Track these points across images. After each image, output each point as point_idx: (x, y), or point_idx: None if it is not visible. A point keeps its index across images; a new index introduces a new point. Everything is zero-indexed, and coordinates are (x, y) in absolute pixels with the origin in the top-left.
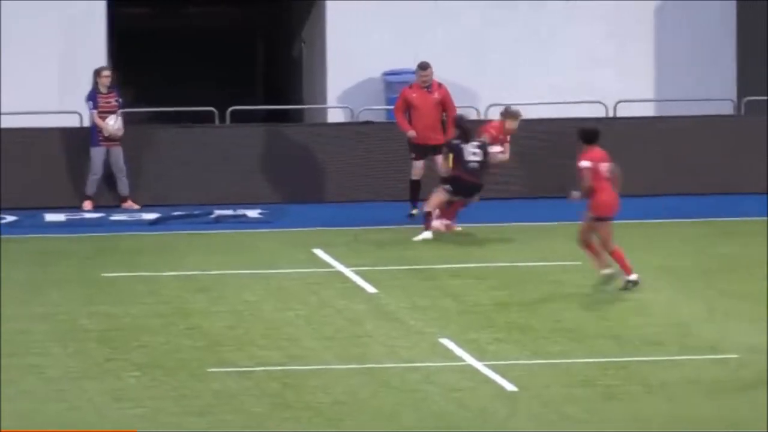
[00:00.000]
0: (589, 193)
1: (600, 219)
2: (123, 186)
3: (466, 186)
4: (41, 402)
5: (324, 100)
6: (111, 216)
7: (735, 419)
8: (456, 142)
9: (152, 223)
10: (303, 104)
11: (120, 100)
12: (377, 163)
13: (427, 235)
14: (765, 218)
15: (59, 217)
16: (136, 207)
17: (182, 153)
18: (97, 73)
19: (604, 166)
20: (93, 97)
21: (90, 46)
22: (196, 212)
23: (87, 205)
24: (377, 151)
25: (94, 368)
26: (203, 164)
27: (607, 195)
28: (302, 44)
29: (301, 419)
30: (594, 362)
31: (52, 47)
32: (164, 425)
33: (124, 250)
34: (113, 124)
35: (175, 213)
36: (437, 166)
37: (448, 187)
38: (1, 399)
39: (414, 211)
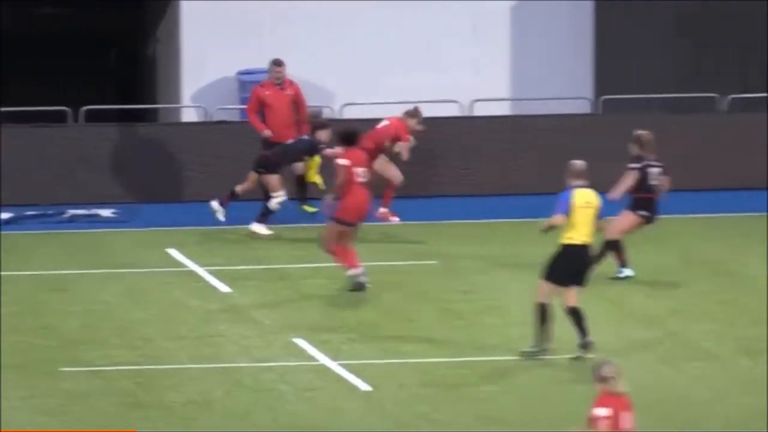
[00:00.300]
0: (341, 194)
1: (344, 223)
2: None
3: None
4: None
5: (178, 100)
6: None
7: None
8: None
9: (5, 222)
10: (157, 103)
11: None
12: (231, 162)
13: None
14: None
15: None
16: None
17: (35, 152)
18: None
19: (360, 170)
20: None
21: None
22: (49, 212)
23: None
24: (231, 150)
25: None
26: (56, 164)
27: (357, 200)
28: (157, 43)
29: (153, 418)
30: (448, 362)
31: None
32: (15, 424)
33: None
34: None
35: (28, 212)
36: (294, 167)
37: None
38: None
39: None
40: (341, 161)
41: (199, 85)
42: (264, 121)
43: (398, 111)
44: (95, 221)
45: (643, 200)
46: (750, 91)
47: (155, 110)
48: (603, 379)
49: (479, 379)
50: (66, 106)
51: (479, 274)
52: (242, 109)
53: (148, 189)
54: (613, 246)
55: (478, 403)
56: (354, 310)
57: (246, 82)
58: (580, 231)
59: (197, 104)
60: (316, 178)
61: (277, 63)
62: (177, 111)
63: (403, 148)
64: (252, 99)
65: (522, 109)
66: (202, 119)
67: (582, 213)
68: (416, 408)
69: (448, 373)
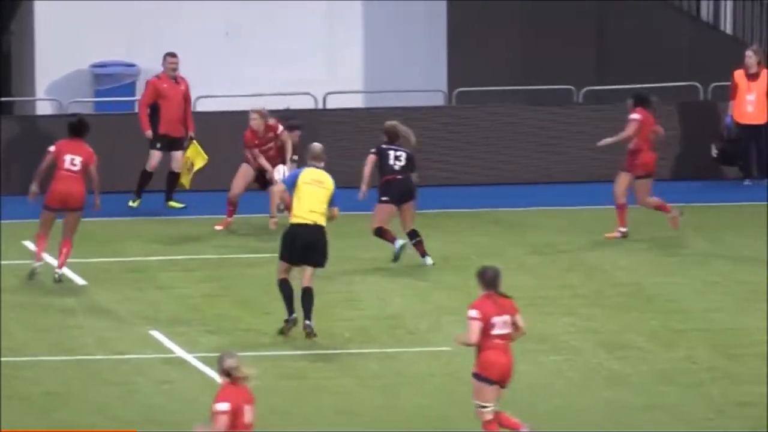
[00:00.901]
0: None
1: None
2: None
3: None
4: None
5: (33, 93)
6: None
7: (444, 413)
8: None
9: None
10: (12, 96)
11: None
12: None
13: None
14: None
15: None
16: None
17: None
18: None
19: (69, 158)
20: None
21: None
22: None
23: None
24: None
25: None
26: None
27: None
28: (11, 36)
29: (12, 410)
30: (304, 354)
31: None
32: None
33: None
34: None
35: None
36: (173, 160)
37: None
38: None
39: (134, 204)
40: (51, 149)
41: (53, 78)
42: (158, 114)
43: (252, 104)
44: None
45: (384, 184)
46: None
47: (10, 104)
48: (226, 372)
49: (336, 372)
50: None
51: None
52: (95, 102)
53: (4, 182)
54: (377, 234)
55: (337, 396)
56: (211, 302)
57: (99, 74)
58: (304, 209)
59: (51, 97)
60: (185, 179)
61: (172, 55)
62: (32, 104)
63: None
64: (147, 91)
65: (375, 102)
66: (56, 112)
67: (307, 190)
68: (271, 401)
69: (304, 367)
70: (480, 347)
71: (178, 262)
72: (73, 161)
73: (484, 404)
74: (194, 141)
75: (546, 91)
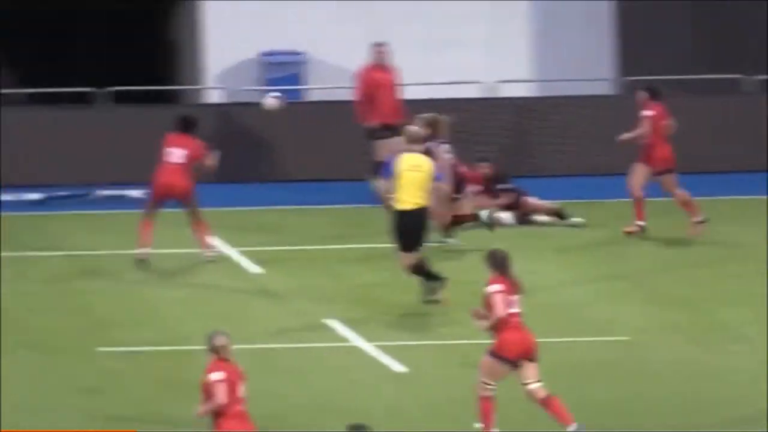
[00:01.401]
0: None
1: None
2: None
3: None
4: None
5: (201, 81)
6: None
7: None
8: None
9: (36, 203)
10: (181, 85)
11: None
12: (257, 144)
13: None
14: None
15: None
16: None
17: (64, 133)
18: None
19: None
20: None
21: None
22: (80, 192)
23: None
24: (256, 132)
25: None
26: (85, 144)
27: None
28: (179, 25)
29: (188, 399)
30: (482, 343)
31: None
32: (52, 405)
33: (8, 230)
34: None
35: (59, 193)
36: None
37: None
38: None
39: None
40: None
41: (221, 67)
42: (373, 103)
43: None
44: (125, 202)
45: None
46: None
47: (180, 92)
48: (215, 349)
49: None
50: (94, 87)
51: None
52: (264, 90)
53: None
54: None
55: (515, 384)
56: (386, 291)
57: (268, 63)
58: (408, 195)
59: (221, 86)
60: None
61: (379, 44)
62: (200, 92)
63: None
64: (359, 82)
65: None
66: (225, 101)
67: (408, 177)
68: (450, 391)
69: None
70: (499, 326)
71: (354, 251)
72: (177, 154)
73: (488, 382)
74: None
75: (715, 80)
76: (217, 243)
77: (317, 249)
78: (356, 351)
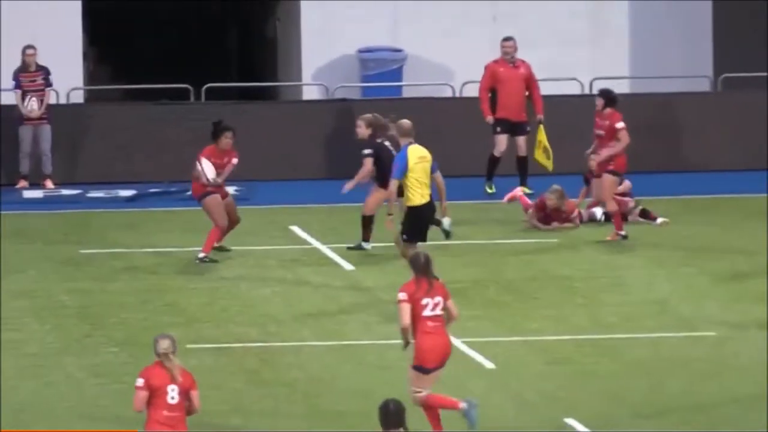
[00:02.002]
0: None
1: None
2: (43, 165)
3: None
4: (18, 379)
5: (299, 78)
6: (88, 193)
7: (708, 398)
8: None
9: (129, 199)
10: (278, 82)
11: (48, 78)
12: (352, 140)
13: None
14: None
15: (37, 193)
16: (52, 187)
17: (157, 130)
18: (22, 51)
19: None
20: (16, 75)
21: (66, 23)
22: (172, 189)
23: (22, 183)
24: (352, 128)
25: (72, 344)
26: (178, 141)
27: None
28: (277, 22)
29: (277, 396)
30: (570, 339)
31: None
32: None
33: (101, 226)
34: (25, 104)
35: (151, 190)
36: (518, 146)
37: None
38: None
39: (491, 190)
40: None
41: (319, 63)
42: (496, 98)
43: None
44: None
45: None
46: None
47: (276, 89)
48: (156, 353)
49: (600, 356)
50: (188, 84)
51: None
52: (362, 87)
53: (270, 166)
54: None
55: (602, 381)
56: (478, 287)
57: (366, 60)
58: (423, 188)
59: (318, 82)
60: (547, 162)
61: (507, 39)
62: (298, 89)
63: None
64: (485, 76)
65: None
66: (323, 97)
67: (419, 170)
68: (540, 386)
69: (570, 351)
70: (414, 332)
71: (446, 248)
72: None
73: (419, 389)
74: (542, 124)
75: None
76: (310, 239)
77: None
78: None
